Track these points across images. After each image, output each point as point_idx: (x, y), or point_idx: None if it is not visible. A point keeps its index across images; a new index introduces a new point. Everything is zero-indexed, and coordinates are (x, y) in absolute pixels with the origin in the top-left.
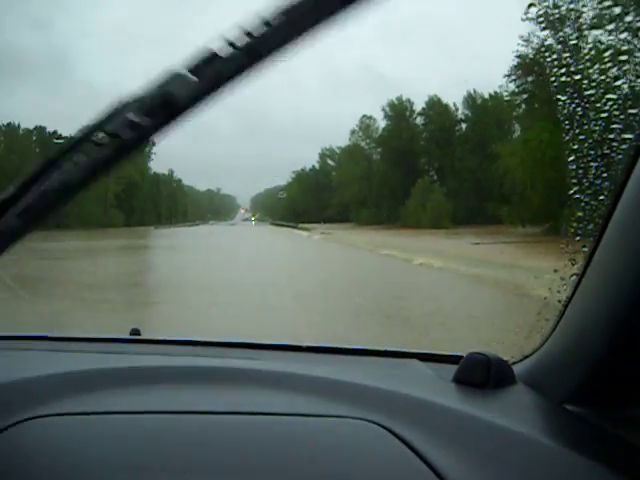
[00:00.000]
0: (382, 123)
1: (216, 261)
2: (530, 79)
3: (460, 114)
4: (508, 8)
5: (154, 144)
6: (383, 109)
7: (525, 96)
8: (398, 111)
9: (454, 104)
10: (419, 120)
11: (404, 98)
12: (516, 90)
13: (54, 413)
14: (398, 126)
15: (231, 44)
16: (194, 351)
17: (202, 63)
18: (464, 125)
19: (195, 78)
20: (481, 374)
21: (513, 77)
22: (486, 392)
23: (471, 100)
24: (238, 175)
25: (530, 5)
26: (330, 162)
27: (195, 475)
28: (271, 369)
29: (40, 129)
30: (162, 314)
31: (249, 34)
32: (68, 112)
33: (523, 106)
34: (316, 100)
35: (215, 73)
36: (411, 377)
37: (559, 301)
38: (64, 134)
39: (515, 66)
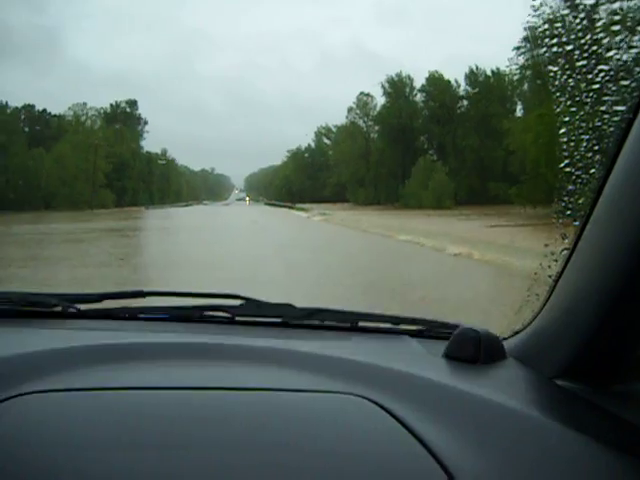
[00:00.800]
0: (380, 100)
1: (211, 248)
2: (541, 51)
3: (462, 91)
4: None
5: (146, 123)
6: (382, 85)
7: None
8: (397, 88)
9: (456, 80)
10: (419, 97)
11: (403, 74)
12: (526, 63)
13: (43, 390)
14: (397, 103)
15: None
16: (182, 327)
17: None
18: (466, 102)
19: None
20: (471, 349)
21: (523, 50)
22: (477, 367)
23: (473, 76)
24: (232, 155)
25: None
26: (326, 141)
27: (186, 450)
28: (259, 345)
29: (29, 107)
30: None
31: None
32: (58, 91)
33: (532, 80)
34: (308, 81)
35: None
36: (401, 352)
37: (549, 276)
38: (53, 112)
39: (525, 38)
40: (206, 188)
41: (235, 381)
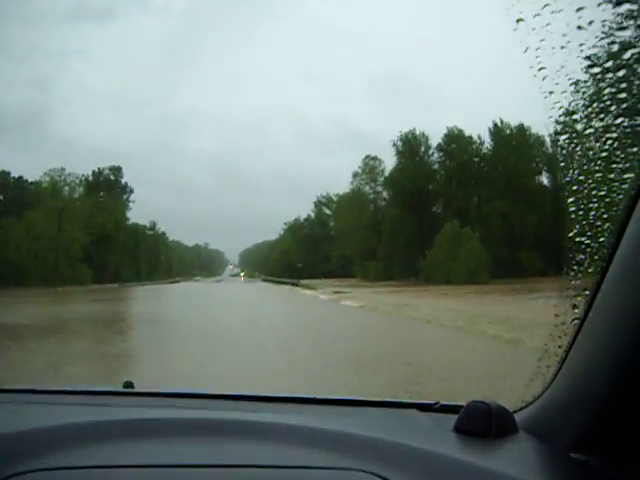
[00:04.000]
0: (389, 163)
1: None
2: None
3: (484, 149)
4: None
5: (132, 191)
6: (394, 144)
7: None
8: (411, 146)
9: (479, 136)
10: (436, 156)
11: (417, 132)
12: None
13: (48, 467)
14: (412, 163)
15: None
16: (189, 404)
17: None
18: (490, 160)
19: None
20: (482, 423)
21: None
22: (488, 441)
23: (497, 132)
24: (225, 231)
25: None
26: (327, 211)
27: None
28: (267, 420)
29: (3, 174)
30: None
31: None
32: (40, 165)
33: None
34: (294, 156)
35: None
36: (410, 427)
37: (559, 347)
38: (30, 179)
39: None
40: (200, 263)
41: (242, 458)
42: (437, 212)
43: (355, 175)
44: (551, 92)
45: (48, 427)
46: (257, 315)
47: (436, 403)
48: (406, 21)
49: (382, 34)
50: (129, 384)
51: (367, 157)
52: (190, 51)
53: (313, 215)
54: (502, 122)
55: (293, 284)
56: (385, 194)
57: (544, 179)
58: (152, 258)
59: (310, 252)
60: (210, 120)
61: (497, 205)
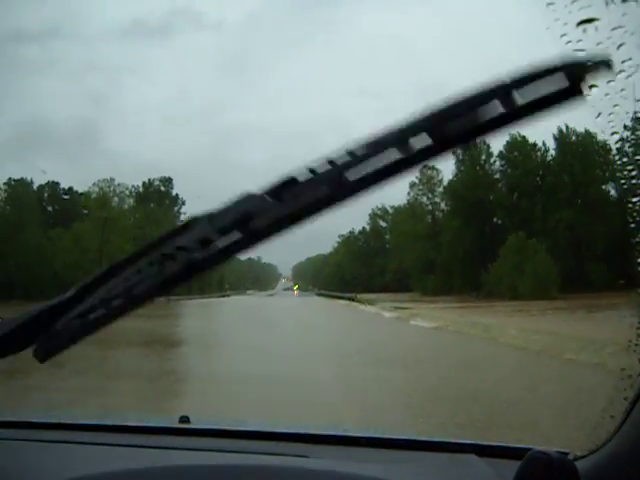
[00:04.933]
0: (447, 172)
1: None
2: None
3: (549, 156)
4: None
5: (184, 203)
6: (454, 152)
7: None
8: (472, 154)
9: (543, 143)
10: (497, 165)
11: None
12: None
13: None
14: (473, 172)
15: (312, 171)
16: (247, 446)
17: (281, 187)
18: (555, 169)
19: (272, 200)
20: (543, 475)
21: None
22: None
23: (562, 138)
24: (278, 245)
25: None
26: (382, 223)
27: None
28: (323, 469)
29: (53, 184)
30: None
31: (331, 162)
32: (91, 178)
33: None
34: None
35: (294, 197)
36: (468, 477)
37: (625, 399)
38: (80, 190)
39: None
40: (252, 277)
41: None
42: (499, 223)
43: (412, 185)
44: (623, 155)
45: (97, 475)
46: (320, 343)
47: (495, 447)
48: (457, 35)
49: (433, 47)
50: (185, 419)
51: (425, 167)
52: (242, 66)
53: (368, 228)
54: (567, 128)
55: (350, 299)
56: (443, 205)
57: (610, 188)
58: None
59: (365, 265)
60: (261, 134)
61: (563, 215)
